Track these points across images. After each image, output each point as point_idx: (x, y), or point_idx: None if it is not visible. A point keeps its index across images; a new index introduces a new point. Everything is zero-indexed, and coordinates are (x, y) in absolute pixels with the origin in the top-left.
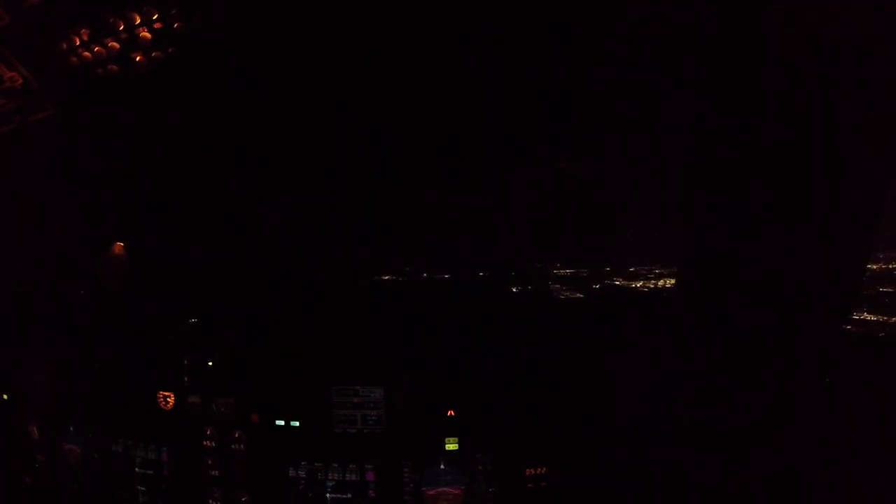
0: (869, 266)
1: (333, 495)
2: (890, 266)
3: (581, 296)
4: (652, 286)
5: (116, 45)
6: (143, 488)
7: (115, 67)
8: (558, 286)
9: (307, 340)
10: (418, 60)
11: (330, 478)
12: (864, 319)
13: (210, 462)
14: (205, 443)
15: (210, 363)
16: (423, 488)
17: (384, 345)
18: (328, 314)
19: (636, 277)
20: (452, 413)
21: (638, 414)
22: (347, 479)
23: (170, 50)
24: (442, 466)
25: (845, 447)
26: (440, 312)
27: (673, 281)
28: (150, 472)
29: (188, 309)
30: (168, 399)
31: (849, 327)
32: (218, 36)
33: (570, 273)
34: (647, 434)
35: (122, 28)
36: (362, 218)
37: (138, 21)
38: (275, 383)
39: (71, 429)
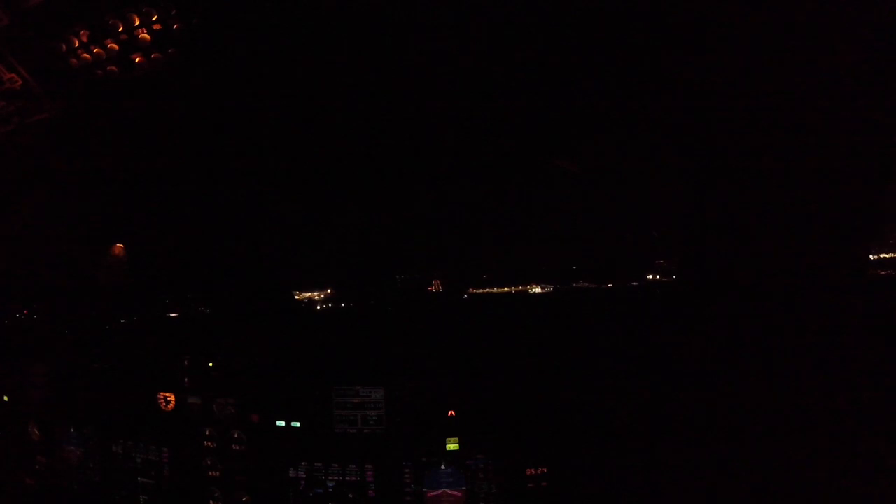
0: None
1: (333, 496)
2: None
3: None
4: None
5: (116, 46)
6: (144, 489)
7: (114, 69)
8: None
9: (308, 340)
10: (418, 61)
11: (330, 478)
12: None
13: (210, 462)
14: (205, 443)
15: (210, 363)
16: (424, 490)
17: (385, 345)
18: (329, 315)
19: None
20: (453, 413)
21: (638, 414)
22: (347, 479)
23: (169, 51)
24: (443, 467)
25: (849, 447)
26: (442, 315)
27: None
28: (151, 472)
29: (188, 309)
30: (168, 400)
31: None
32: (218, 37)
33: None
34: (647, 434)
35: (121, 29)
36: (357, 222)
37: (137, 23)
38: (275, 384)
39: (71, 429)
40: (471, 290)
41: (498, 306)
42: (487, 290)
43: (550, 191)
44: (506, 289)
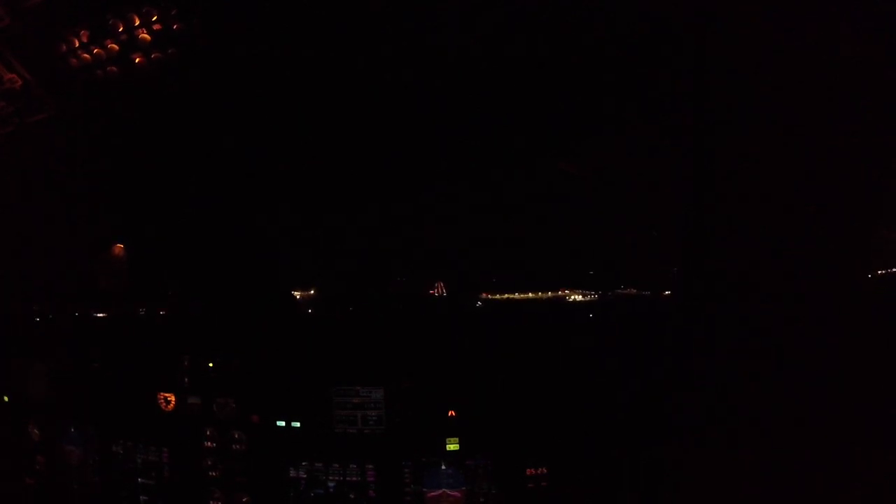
0: None
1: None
2: None
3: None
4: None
5: (116, 46)
6: (144, 490)
7: (114, 69)
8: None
9: (308, 340)
10: (419, 62)
11: (330, 478)
12: None
13: (210, 462)
14: (205, 443)
15: (210, 363)
16: (424, 490)
17: (385, 345)
18: (331, 314)
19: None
20: (453, 413)
21: (638, 414)
22: (348, 479)
23: (169, 51)
24: (443, 467)
25: (846, 448)
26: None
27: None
28: (151, 473)
29: (188, 310)
30: (168, 400)
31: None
32: (217, 37)
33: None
34: (646, 434)
35: (121, 29)
36: (355, 225)
37: (137, 23)
38: (275, 383)
39: (71, 429)
40: (484, 294)
41: (508, 310)
42: (507, 295)
43: (556, 191)
44: (529, 294)
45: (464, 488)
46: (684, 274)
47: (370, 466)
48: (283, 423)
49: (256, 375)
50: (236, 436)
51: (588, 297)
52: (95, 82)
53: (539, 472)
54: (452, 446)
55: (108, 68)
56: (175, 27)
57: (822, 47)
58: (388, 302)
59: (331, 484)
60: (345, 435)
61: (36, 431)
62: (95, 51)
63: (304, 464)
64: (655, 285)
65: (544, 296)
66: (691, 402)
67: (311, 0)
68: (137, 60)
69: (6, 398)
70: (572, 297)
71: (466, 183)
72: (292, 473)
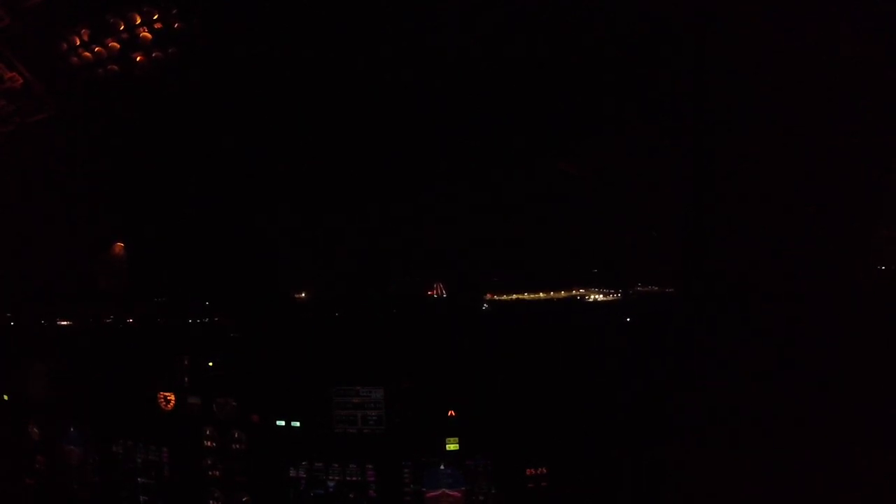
0: None
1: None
2: None
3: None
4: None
5: (117, 45)
6: (144, 489)
7: (115, 67)
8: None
9: (308, 341)
10: (418, 62)
11: (330, 478)
12: None
13: (210, 462)
14: (205, 443)
15: (210, 363)
16: (424, 490)
17: (385, 345)
18: (329, 315)
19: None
20: (453, 413)
21: (638, 414)
22: (348, 479)
23: (169, 51)
24: (442, 467)
25: (846, 448)
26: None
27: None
28: (151, 472)
29: (188, 310)
30: (168, 400)
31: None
32: (217, 37)
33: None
34: (646, 434)
35: (122, 28)
36: (357, 225)
37: (138, 21)
38: (275, 383)
39: (71, 429)
40: (489, 294)
41: (509, 310)
42: (517, 296)
43: (556, 191)
44: (540, 294)
45: (464, 488)
46: (684, 274)
47: (370, 466)
48: (283, 423)
49: (256, 375)
50: (236, 435)
51: (610, 297)
52: (95, 82)
53: (539, 472)
54: (452, 446)
55: (109, 67)
56: (175, 26)
57: (822, 47)
58: (388, 302)
59: (331, 484)
60: (345, 435)
61: (36, 431)
62: (96, 49)
63: (304, 464)
64: (676, 282)
65: (557, 295)
66: (692, 402)
67: (311, 0)
68: (138, 59)
69: (6, 398)
70: (591, 296)
71: (466, 183)
72: (292, 473)
